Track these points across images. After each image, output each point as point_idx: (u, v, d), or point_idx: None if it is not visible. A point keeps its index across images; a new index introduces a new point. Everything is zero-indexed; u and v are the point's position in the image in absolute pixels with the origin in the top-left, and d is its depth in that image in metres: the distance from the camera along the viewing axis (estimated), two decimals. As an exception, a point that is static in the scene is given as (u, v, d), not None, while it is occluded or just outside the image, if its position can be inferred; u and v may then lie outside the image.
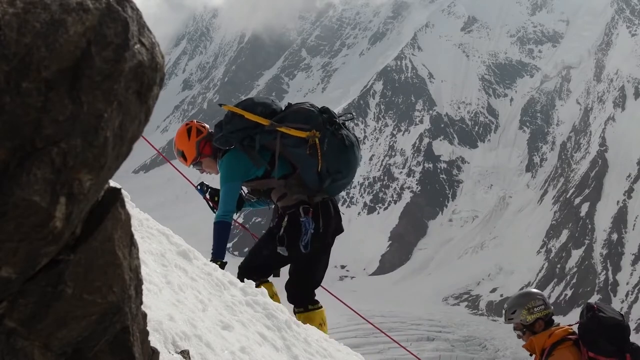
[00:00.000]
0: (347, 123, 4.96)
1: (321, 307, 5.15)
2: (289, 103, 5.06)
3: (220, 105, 5.01)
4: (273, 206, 5.15)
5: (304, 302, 5.05)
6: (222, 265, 4.63)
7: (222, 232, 4.79)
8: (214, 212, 5.05)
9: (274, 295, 4.93)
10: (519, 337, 5.26)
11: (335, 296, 6.05)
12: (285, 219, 4.88)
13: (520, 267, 74.41)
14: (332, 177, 4.84)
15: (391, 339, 6.15)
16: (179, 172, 5.73)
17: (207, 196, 5.29)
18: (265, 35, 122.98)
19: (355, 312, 5.99)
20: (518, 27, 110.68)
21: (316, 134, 4.75)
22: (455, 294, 75.34)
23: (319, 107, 4.96)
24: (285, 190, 4.89)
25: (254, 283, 4.37)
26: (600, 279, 70.64)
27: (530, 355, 5.20)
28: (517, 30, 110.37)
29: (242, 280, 4.80)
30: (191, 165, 5.13)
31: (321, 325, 5.04)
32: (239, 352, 3.20)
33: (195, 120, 5.19)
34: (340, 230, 5.12)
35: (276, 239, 4.89)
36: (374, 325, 6.33)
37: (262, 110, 4.85)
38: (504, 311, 5.25)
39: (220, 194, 4.87)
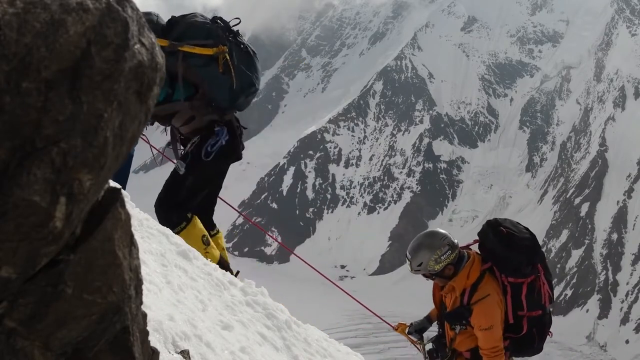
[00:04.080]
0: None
1: (219, 231, 4.90)
2: (172, 17, 4.63)
3: None
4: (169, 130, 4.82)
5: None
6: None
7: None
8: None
9: (223, 250, 4.76)
10: (427, 279, 4.97)
11: (347, 293, 6.05)
12: (197, 138, 4.60)
13: (520, 267, 74.27)
14: (246, 92, 4.59)
15: (387, 323, 6.13)
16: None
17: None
18: (264, 35, 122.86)
19: (364, 306, 5.96)
20: (518, 27, 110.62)
21: (224, 49, 4.43)
22: (455, 294, 75.35)
23: (207, 17, 4.65)
24: (192, 112, 4.57)
25: (254, 283, 4.37)
26: (600, 279, 70.65)
27: (441, 288, 4.92)
28: (517, 30, 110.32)
29: (162, 222, 4.49)
30: None
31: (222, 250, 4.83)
32: (239, 352, 3.20)
33: None
34: (239, 157, 4.80)
35: (181, 159, 4.58)
36: (381, 319, 6.29)
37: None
38: (408, 261, 4.81)
39: None
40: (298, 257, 6.44)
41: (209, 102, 4.52)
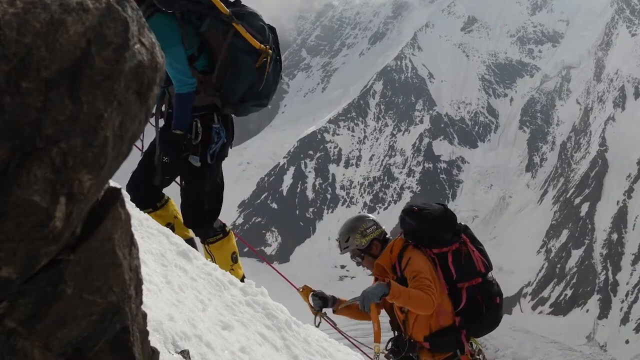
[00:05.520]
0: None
1: (229, 230, 4.84)
2: None
3: None
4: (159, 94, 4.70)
5: (212, 228, 4.72)
6: (182, 137, 4.35)
7: (188, 102, 4.36)
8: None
9: (175, 217, 4.70)
10: (358, 264, 5.09)
11: (320, 313, 5.72)
12: (199, 124, 4.47)
13: (520, 267, 74.38)
14: (255, 100, 4.55)
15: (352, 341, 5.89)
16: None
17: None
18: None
19: (333, 326, 5.56)
20: (518, 27, 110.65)
21: (269, 51, 4.45)
22: (455, 294, 75.39)
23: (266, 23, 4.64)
24: (200, 86, 4.44)
25: (254, 283, 4.37)
26: (600, 279, 70.63)
27: (376, 280, 4.90)
28: (517, 30, 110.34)
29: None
30: None
31: (233, 258, 4.78)
32: (239, 352, 3.20)
33: None
34: (227, 154, 4.73)
35: (182, 146, 4.43)
36: (345, 335, 5.96)
37: None
38: (337, 242, 4.98)
39: (167, 62, 4.21)
40: (279, 273, 6.16)
41: (219, 86, 4.46)
